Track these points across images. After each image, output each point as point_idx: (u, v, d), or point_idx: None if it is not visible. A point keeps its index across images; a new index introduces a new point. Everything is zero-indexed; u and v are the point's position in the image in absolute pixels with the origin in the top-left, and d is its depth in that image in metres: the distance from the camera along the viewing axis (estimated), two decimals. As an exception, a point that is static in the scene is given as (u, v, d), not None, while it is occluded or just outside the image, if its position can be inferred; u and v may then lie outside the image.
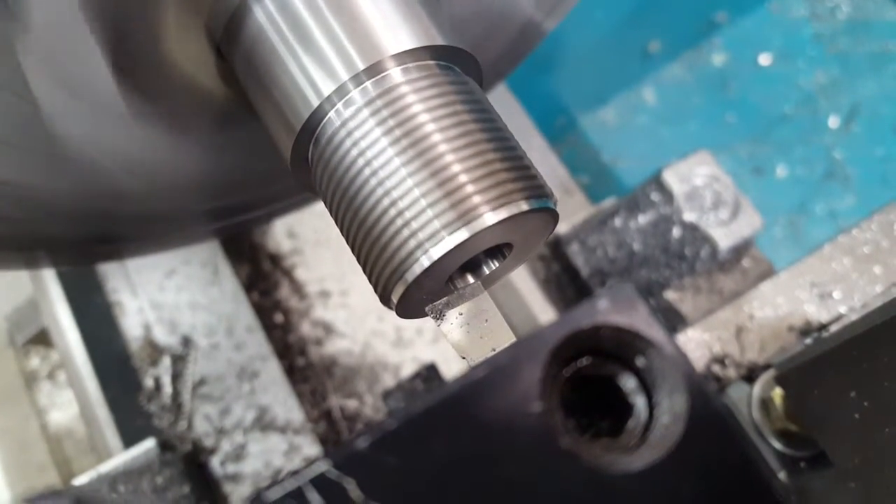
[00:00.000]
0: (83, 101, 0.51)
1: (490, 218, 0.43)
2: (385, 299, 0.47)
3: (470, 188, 0.43)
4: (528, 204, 0.44)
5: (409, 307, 0.48)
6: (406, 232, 0.44)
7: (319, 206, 0.95)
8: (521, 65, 0.83)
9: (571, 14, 0.78)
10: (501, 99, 1.06)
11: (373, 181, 0.45)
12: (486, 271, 0.50)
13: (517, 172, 0.45)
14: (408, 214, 0.44)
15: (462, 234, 0.43)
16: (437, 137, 0.44)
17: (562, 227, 0.89)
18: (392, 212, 0.44)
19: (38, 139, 0.52)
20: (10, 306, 1.09)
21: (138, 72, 0.51)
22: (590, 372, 0.32)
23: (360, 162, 0.45)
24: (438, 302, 0.48)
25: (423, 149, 0.44)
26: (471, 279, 0.49)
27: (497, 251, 0.49)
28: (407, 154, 0.44)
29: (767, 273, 0.82)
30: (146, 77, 0.52)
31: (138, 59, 0.50)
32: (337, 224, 0.48)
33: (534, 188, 0.45)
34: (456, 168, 0.44)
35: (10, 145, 0.52)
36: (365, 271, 0.47)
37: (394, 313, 0.48)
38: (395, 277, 0.45)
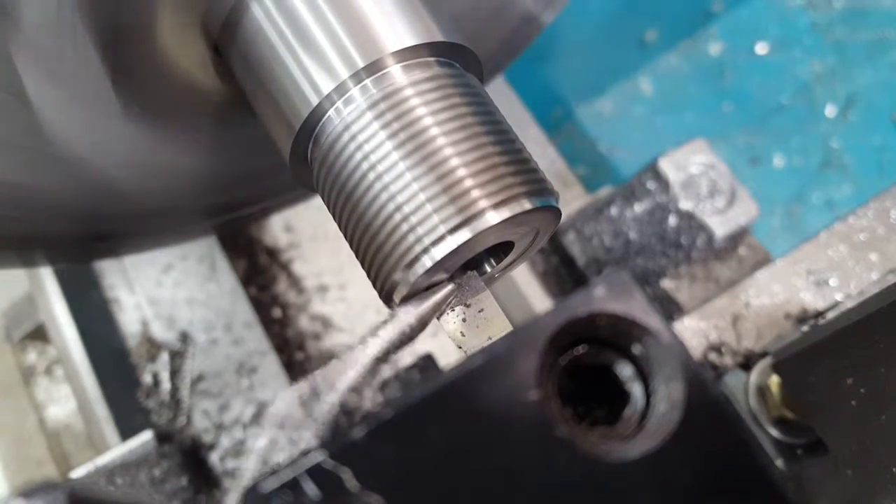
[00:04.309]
0: (79, 100, 0.51)
1: (493, 217, 0.43)
2: (387, 298, 0.47)
3: (472, 187, 0.43)
4: (531, 202, 0.44)
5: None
6: (408, 231, 0.43)
7: (317, 200, 0.94)
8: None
9: (567, 4, 0.77)
10: (498, 90, 1.06)
11: (374, 180, 0.44)
12: (488, 269, 0.50)
13: (519, 170, 0.45)
14: (409, 214, 0.43)
15: (464, 234, 0.43)
16: (438, 136, 0.44)
17: (558, 218, 0.89)
18: (393, 211, 0.44)
19: (35, 139, 0.52)
20: (7, 302, 1.08)
21: (134, 70, 0.51)
22: (586, 360, 0.32)
23: (362, 161, 0.45)
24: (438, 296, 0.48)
25: (425, 147, 0.44)
26: (472, 277, 0.49)
27: (499, 249, 0.49)
28: (408, 153, 0.44)
29: (764, 261, 0.82)
30: (142, 75, 0.51)
31: (134, 58, 0.49)
32: (337, 223, 0.48)
33: (536, 186, 0.45)
34: (458, 167, 0.43)
35: (6, 145, 0.51)
36: (366, 270, 0.47)
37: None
38: (397, 277, 0.44)
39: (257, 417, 0.84)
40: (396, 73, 0.46)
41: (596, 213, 0.85)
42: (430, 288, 0.47)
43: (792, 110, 1.55)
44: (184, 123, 0.59)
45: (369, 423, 0.28)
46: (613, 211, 0.84)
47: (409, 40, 0.47)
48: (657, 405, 0.31)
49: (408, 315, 0.45)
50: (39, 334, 1.04)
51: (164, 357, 0.86)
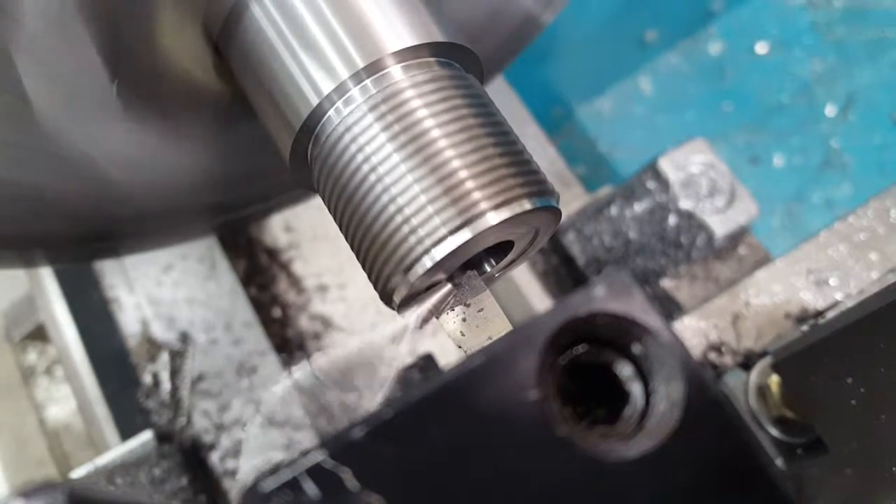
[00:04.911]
0: (79, 100, 0.51)
1: (493, 218, 0.43)
2: (387, 299, 0.47)
3: (472, 188, 0.43)
4: (531, 203, 0.44)
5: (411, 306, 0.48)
6: (408, 232, 0.43)
7: (317, 200, 0.94)
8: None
9: (567, 4, 0.77)
10: (498, 90, 1.06)
11: (374, 180, 0.44)
12: (488, 269, 0.50)
13: (519, 170, 0.45)
14: (410, 214, 0.43)
15: (465, 235, 0.43)
16: (438, 136, 0.44)
17: (558, 218, 0.89)
18: (394, 211, 0.44)
19: (35, 139, 0.52)
20: (7, 302, 1.08)
21: (134, 70, 0.51)
22: (586, 359, 0.32)
23: (361, 161, 0.45)
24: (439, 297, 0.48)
25: (425, 148, 0.44)
26: (472, 277, 0.49)
27: (499, 248, 0.49)
28: (408, 153, 0.44)
29: (764, 261, 0.82)
30: (142, 75, 0.51)
31: (134, 58, 0.49)
32: (337, 223, 0.48)
33: (536, 187, 0.45)
34: (458, 167, 0.43)
35: (6, 145, 0.51)
36: (366, 271, 0.47)
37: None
38: (397, 277, 0.44)
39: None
40: (396, 74, 0.46)
41: (596, 213, 0.85)
42: (430, 288, 0.47)
43: (792, 110, 1.55)
44: (184, 123, 0.59)
45: (369, 423, 0.28)
46: (613, 211, 0.84)
47: (410, 40, 0.47)
48: (657, 404, 0.31)
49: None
50: (39, 334, 1.04)
51: (164, 357, 0.86)
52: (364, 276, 0.48)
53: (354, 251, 0.48)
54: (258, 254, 0.98)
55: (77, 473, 0.74)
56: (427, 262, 0.43)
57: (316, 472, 0.27)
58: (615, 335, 0.31)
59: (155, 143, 0.59)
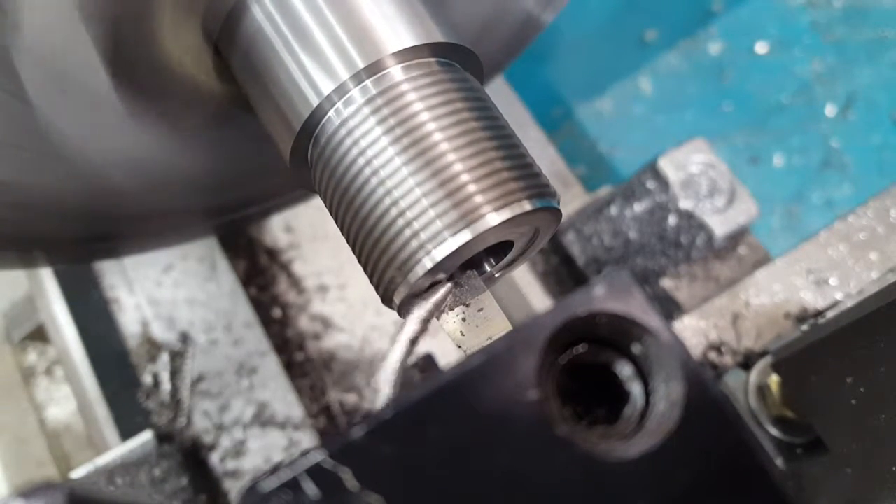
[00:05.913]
0: (79, 100, 0.51)
1: (493, 219, 0.43)
2: (387, 300, 0.47)
3: (472, 188, 0.43)
4: (531, 203, 0.44)
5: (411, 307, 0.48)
6: (408, 233, 0.43)
7: (317, 200, 0.94)
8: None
9: (567, 4, 0.77)
10: (498, 90, 1.06)
11: (374, 181, 0.44)
12: (488, 269, 0.50)
13: (519, 171, 0.45)
14: (410, 215, 0.43)
15: (465, 236, 0.43)
16: (438, 136, 0.44)
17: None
18: (394, 212, 0.44)
19: (35, 139, 0.52)
20: (7, 302, 1.08)
21: (134, 70, 0.51)
22: (586, 359, 0.32)
23: (361, 162, 0.45)
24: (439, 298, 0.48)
25: (425, 148, 0.44)
26: (472, 277, 0.49)
27: (499, 249, 0.49)
28: (408, 154, 0.44)
29: (763, 260, 0.82)
30: (142, 75, 0.51)
31: (134, 58, 0.50)
32: (337, 224, 0.48)
33: (536, 187, 0.45)
34: (458, 168, 0.43)
35: (6, 145, 0.51)
36: (366, 272, 0.47)
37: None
38: (398, 278, 0.44)
39: (257, 418, 0.84)
40: (396, 74, 0.46)
41: (596, 213, 0.85)
42: (430, 288, 0.47)
43: (792, 110, 1.55)
44: (184, 123, 0.59)
45: (369, 423, 0.28)
46: (613, 210, 0.84)
47: (409, 41, 0.47)
48: (657, 404, 0.31)
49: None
50: (39, 334, 1.04)
51: (164, 357, 0.86)
52: (364, 276, 0.48)
53: (355, 252, 0.48)
54: (258, 254, 0.98)
55: (77, 473, 0.74)
56: (427, 263, 0.43)
57: (316, 472, 0.27)
58: (615, 335, 0.31)
59: (154, 144, 0.59)
